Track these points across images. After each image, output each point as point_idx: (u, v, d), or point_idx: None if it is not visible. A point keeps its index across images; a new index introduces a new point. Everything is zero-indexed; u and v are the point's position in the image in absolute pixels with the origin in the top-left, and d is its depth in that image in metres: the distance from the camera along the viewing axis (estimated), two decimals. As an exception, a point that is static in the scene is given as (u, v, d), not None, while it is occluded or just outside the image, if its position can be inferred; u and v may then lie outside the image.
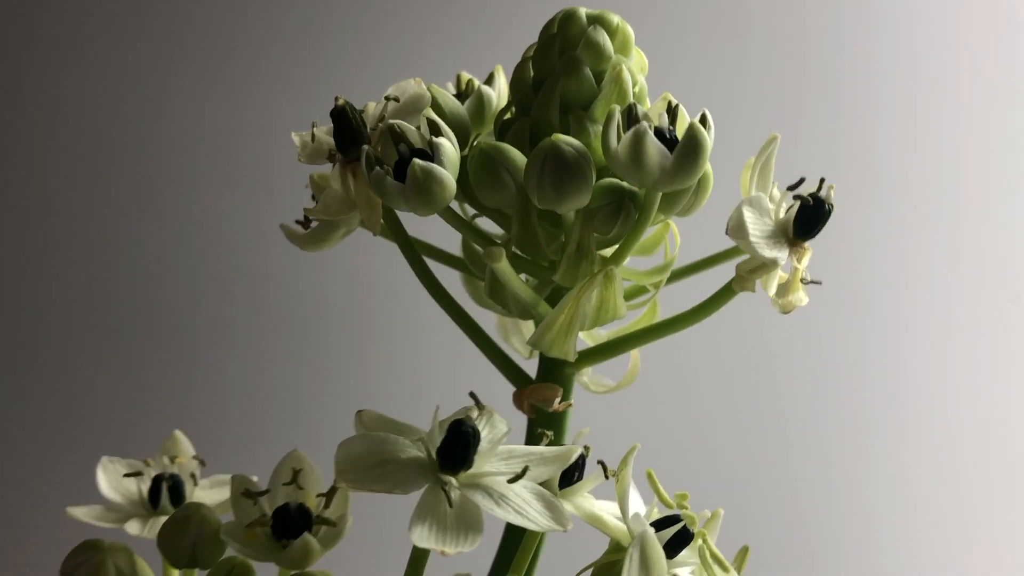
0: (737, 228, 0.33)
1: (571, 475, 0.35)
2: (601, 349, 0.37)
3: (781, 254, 0.33)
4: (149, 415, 0.81)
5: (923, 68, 0.93)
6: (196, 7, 0.89)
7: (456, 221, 0.36)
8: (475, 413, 0.31)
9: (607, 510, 0.35)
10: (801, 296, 0.34)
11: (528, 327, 0.39)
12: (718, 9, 0.94)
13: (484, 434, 0.31)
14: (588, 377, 0.40)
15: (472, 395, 0.32)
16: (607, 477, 0.35)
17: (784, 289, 0.34)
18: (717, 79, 0.92)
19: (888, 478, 0.92)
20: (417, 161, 0.32)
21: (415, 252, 0.36)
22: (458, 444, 0.30)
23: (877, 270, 0.92)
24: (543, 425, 0.36)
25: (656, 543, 0.30)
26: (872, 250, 0.92)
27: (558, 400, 0.36)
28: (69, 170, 0.87)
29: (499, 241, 0.36)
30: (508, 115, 0.36)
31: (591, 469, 0.35)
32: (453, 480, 0.30)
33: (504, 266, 0.33)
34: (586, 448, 0.35)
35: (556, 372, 0.37)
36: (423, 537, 0.29)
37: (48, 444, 0.83)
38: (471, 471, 0.30)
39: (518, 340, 0.41)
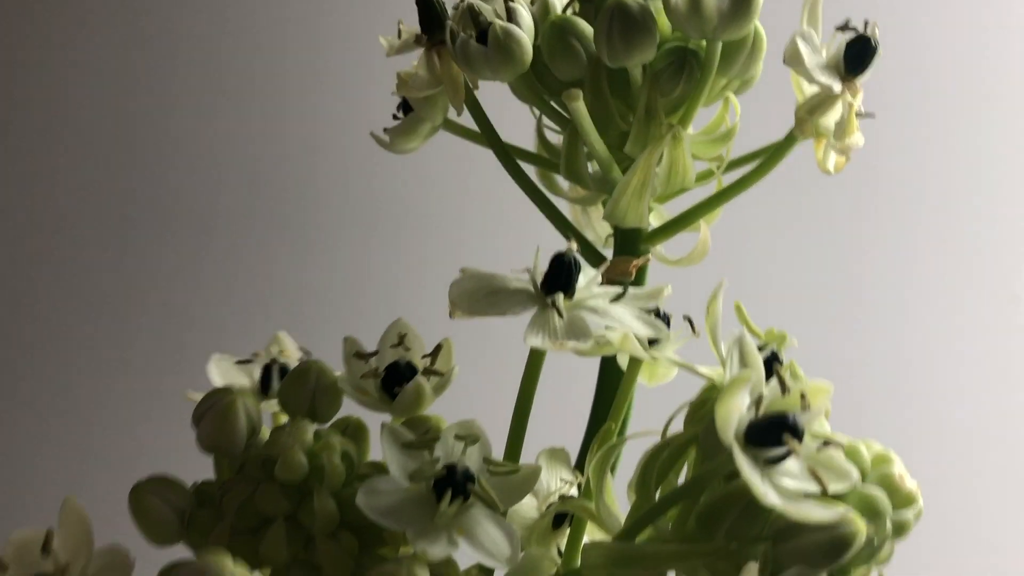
0: (793, 56, 0.35)
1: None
2: (672, 223, 0.38)
3: (835, 82, 0.35)
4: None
5: (923, 65, 0.93)
6: None
7: (533, 95, 0.37)
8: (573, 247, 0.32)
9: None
10: (858, 137, 0.36)
11: (601, 215, 0.40)
12: None
13: (580, 278, 0.32)
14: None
15: (568, 241, 0.33)
16: (695, 332, 0.36)
17: (841, 130, 0.36)
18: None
19: None
20: (497, 22, 0.33)
21: (495, 134, 0.38)
22: (561, 271, 0.31)
23: (876, 269, 0.92)
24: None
25: (751, 343, 0.31)
26: (871, 249, 0.92)
27: (635, 267, 0.37)
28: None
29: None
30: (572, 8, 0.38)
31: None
32: (560, 301, 0.31)
33: (580, 107, 0.34)
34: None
35: (631, 249, 0.38)
36: (537, 341, 0.30)
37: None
38: (573, 299, 0.31)
39: (591, 231, 0.42)
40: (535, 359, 0.32)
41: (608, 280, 0.37)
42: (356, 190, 0.88)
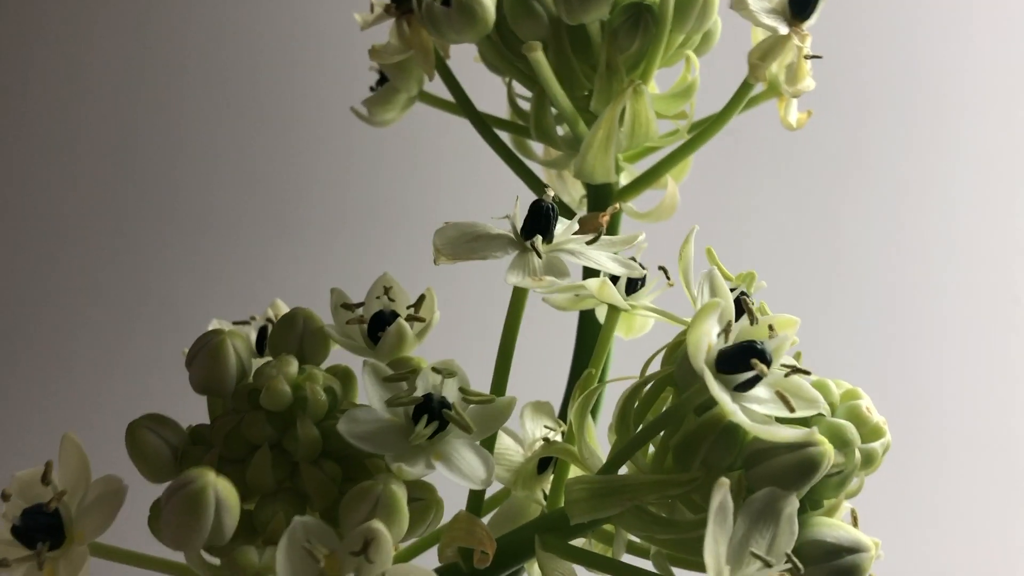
0: (739, 1, 0.36)
1: (635, 285, 0.37)
2: (641, 178, 0.40)
3: (781, 25, 0.36)
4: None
5: (923, 65, 0.93)
6: None
7: (501, 60, 0.39)
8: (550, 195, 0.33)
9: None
10: (809, 82, 0.37)
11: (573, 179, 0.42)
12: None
13: (557, 227, 0.33)
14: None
15: (545, 193, 0.34)
16: (669, 280, 0.36)
17: (793, 75, 0.37)
18: None
19: (887, 478, 0.92)
20: (459, -17, 0.35)
21: (469, 103, 0.39)
22: (540, 216, 0.32)
23: (876, 270, 0.92)
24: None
25: (721, 278, 0.32)
26: (871, 249, 0.92)
27: (606, 218, 0.38)
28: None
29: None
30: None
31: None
32: (539, 243, 0.31)
33: (540, 58, 0.36)
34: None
35: (603, 206, 0.39)
36: (517, 280, 0.31)
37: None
38: (551, 244, 0.32)
39: (566, 195, 0.43)
40: (517, 299, 0.33)
41: (585, 232, 0.38)
42: (356, 188, 0.89)
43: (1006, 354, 0.92)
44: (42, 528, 0.29)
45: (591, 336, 0.38)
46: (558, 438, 0.37)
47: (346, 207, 0.88)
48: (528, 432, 0.38)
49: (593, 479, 0.32)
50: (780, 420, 0.30)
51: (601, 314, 0.38)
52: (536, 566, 0.36)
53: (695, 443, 0.31)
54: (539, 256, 0.31)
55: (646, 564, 0.34)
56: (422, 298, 0.36)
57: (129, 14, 0.90)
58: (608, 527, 0.34)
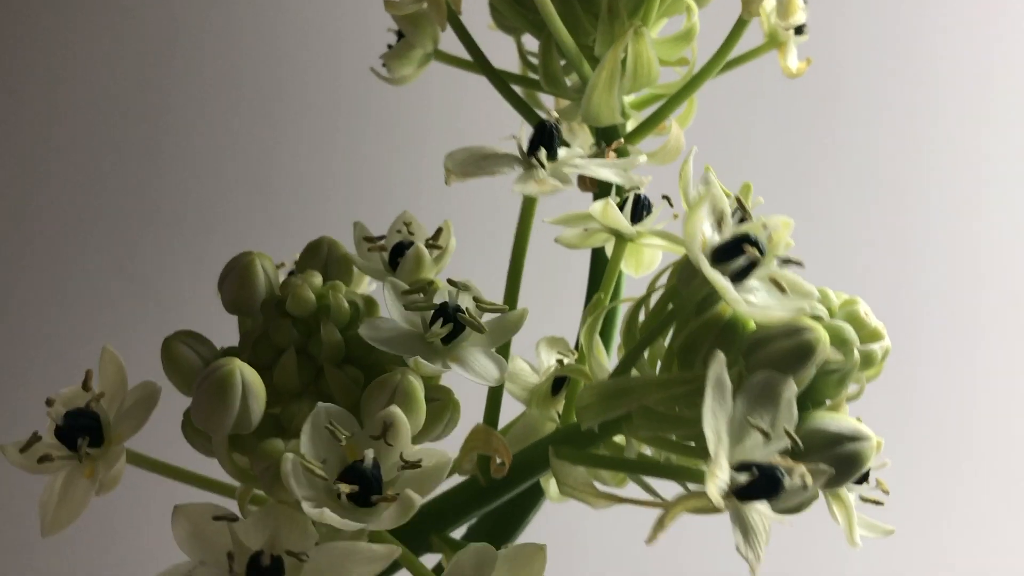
0: None
1: (640, 214, 0.38)
2: (645, 124, 0.41)
3: None
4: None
5: (925, 65, 0.93)
6: None
7: (511, 11, 0.40)
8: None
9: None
10: (800, 15, 0.38)
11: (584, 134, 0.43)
12: None
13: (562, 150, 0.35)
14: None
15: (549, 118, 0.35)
16: (674, 211, 0.38)
17: (784, 9, 0.38)
18: None
19: (887, 478, 0.92)
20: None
21: (483, 57, 0.40)
22: (544, 133, 0.34)
23: (876, 270, 0.91)
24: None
25: (714, 179, 0.33)
26: (871, 249, 0.92)
27: (611, 153, 0.39)
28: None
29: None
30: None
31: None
32: (543, 155, 0.33)
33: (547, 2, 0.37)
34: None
35: (610, 150, 0.41)
36: (523, 188, 0.32)
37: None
38: (556, 161, 0.34)
39: (576, 146, 0.44)
40: (526, 212, 0.34)
41: (588, 181, 0.40)
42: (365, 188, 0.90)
43: (1006, 354, 0.92)
44: (83, 428, 0.31)
45: (602, 273, 0.39)
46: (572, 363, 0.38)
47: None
48: (543, 361, 0.39)
49: (601, 383, 0.33)
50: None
51: (610, 247, 0.39)
52: (552, 483, 0.37)
53: (697, 342, 0.32)
54: (543, 167, 0.33)
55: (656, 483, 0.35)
56: (440, 230, 0.37)
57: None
58: (619, 439, 0.35)
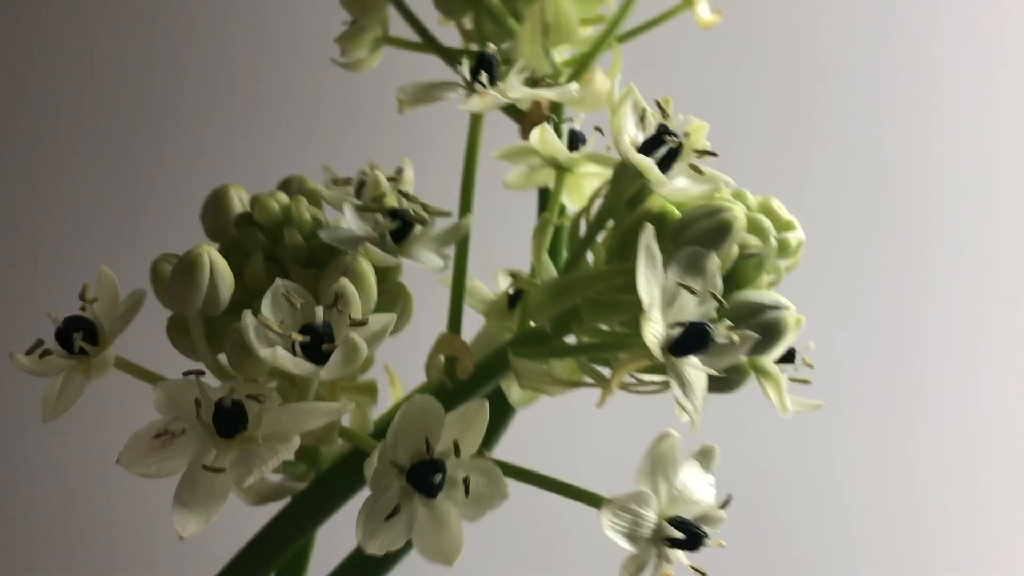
0: None
1: (575, 146, 0.41)
2: (571, 77, 0.44)
3: None
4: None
5: (924, 65, 0.93)
6: None
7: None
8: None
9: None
10: None
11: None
12: None
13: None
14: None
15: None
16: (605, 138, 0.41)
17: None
18: None
19: (886, 478, 0.91)
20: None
21: (430, 35, 0.44)
22: (484, 61, 0.38)
23: (874, 268, 0.91)
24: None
25: (636, 90, 0.36)
26: (870, 248, 0.92)
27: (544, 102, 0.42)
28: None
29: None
30: None
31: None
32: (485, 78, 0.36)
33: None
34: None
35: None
36: (469, 104, 0.36)
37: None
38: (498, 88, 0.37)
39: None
40: (474, 127, 0.38)
41: (531, 127, 0.43)
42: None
43: (1006, 353, 0.92)
44: (79, 327, 0.34)
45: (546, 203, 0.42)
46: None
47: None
48: (500, 286, 0.42)
49: (550, 282, 0.37)
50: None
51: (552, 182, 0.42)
52: (514, 388, 0.40)
53: (631, 236, 0.35)
54: (486, 87, 0.36)
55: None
56: (399, 169, 0.40)
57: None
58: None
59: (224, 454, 0.30)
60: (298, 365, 0.30)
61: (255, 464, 0.29)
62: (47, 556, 0.87)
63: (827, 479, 0.90)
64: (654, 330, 0.32)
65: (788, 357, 0.38)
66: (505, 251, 0.45)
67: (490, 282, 0.43)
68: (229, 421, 0.30)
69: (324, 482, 0.38)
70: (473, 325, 0.41)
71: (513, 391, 0.40)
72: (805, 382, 0.38)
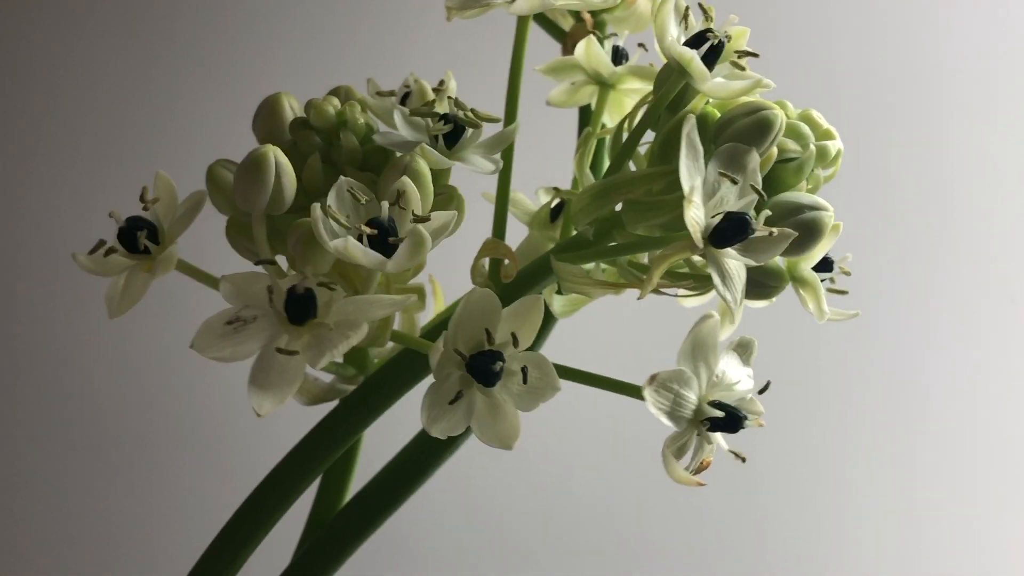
0: None
1: (618, 62, 0.41)
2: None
3: None
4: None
5: (923, 67, 0.92)
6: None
7: None
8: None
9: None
10: None
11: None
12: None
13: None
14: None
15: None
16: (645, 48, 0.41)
17: None
18: None
19: (885, 477, 0.91)
20: None
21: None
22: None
23: (873, 269, 0.90)
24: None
25: None
26: (868, 249, 0.90)
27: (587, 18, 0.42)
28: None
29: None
30: None
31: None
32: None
33: None
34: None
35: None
36: (516, 8, 0.36)
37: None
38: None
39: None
40: (521, 29, 0.37)
41: (574, 44, 0.43)
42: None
43: (1005, 353, 0.92)
44: (142, 227, 0.34)
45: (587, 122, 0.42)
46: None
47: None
48: (541, 202, 0.42)
49: (593, 186, 0.37)
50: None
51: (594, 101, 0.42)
52: (555, 299, 0.40)
53: (674, 138, 0.35)
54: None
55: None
56: (442, 81, 0.40)
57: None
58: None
59: (296, 339, 0.30)
60: (367, 255, 0.30)
61: (327, 348, 0.30)
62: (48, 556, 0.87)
63: (826, 479, 0.90)
64: (695, 215, 0.32)
65: (825, 266, 0.38)
66: (545, 171, 0.44)
67: (531, 199, 0.43)
68: (300, 308, 0.30)
69: (373, 383, 0.39)
70: (514, 239, 0.41)
71: (555, 303, 0.40)
72: (843, 292, 0.39)
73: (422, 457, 0.41)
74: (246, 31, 0.90)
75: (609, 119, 0.43)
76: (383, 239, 0.31)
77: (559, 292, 0.40)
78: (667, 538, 0.90)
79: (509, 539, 0.89)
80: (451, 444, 0.40)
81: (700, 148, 0.33)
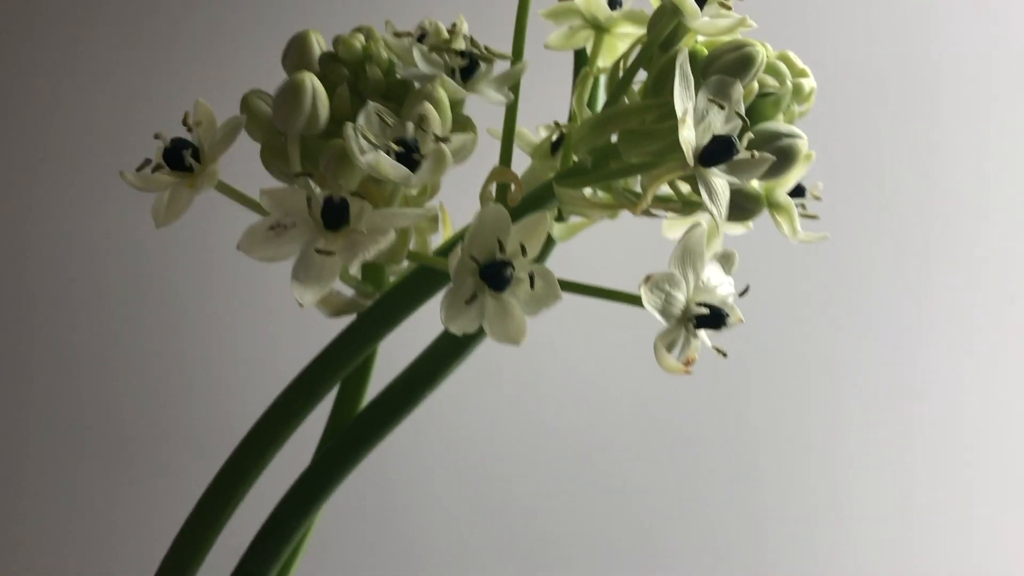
0: None
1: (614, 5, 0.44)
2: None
3: None
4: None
5: (921, 63, 0.92)
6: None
7: None
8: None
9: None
10: None
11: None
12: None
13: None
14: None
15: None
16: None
17: None
18: None
19: (883, 477, 0.92)
20: None
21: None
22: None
23: (871, 268, 0.91)
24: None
25: None
26: (867, 248, 0.91)
27: None
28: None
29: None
30: None
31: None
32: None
33: None
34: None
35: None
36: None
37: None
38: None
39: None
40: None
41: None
42: None
43: (1004, 353, 0.92)
44: (187, 147, 0.37)
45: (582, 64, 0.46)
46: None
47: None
48: (542, 135, 0.46)
49: (591, 117, 0.40)
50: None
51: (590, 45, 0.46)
52: (556, 226, 0.44)
53: (666, 74, 0.39)
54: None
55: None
56: (455, 24, 0.44)
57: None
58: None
59: (332, 243, 0.33)
60: (396, 169, 0.34)
61: (360, 250, 0.33)
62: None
63: (825, 479, 0.91)
64: (688, 135, 0.35)
65: (799, 192, 0.42)
66: (545, 111, 0.48)
67: (534, 134, 0.46)
68: (336, 215, 0.34)
69: (389, 297, 0.42)
70: (518, 169, 0.45)
71: (555, 227, 0.43)
72: (813, 217, 0.42)
73: (431, 367, 0.45)
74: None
75: (603, 62, 0.46)
76: (408, 156, 0.34)
77: (558, 219, 0.44)
78: (668, 537, 0.91)
79: (512, 536, 0.90)
80: (458, 355, 0.44)
81: (691, 78, 0.36)
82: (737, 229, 0.43)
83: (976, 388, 0.92)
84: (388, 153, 0.34)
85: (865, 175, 0.91)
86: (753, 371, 0.91)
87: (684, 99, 0.36)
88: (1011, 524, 0.92)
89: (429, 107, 0.35)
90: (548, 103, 0.51)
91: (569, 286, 0.39)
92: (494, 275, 0.35)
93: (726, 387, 0.90)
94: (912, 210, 0.92)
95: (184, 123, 0.38)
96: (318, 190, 0.34)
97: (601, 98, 0.45)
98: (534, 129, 0.47)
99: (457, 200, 0.45)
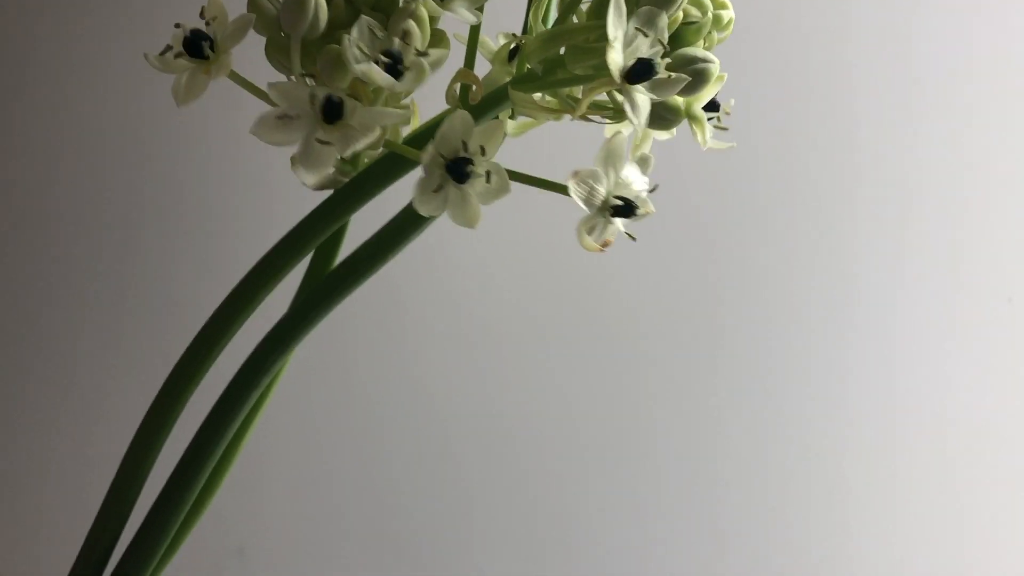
0: None
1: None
2: None
3: None
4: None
5: (919, 61, 0.91)
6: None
7: None
8: None
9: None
10: None
11: None
12: None
13: None
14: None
15: None
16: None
17: None
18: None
19: (881, 477, 0.92)
20: None
21: None
22: None
23: (869, 267, 0.90)
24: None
25: None
26: (864, 247, 0.91)
27: None
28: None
29: None
30: None
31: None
32: None
33: None
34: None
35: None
36: None
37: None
38: None
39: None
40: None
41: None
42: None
43: (1002, 354, 0.92)
44: (205, 38, 0.43)
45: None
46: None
47: None
48: (501, 43, 0.52)
49: (543, 32, 0.47)
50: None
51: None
52: (509, 122, 0.51)
53: (606, 1, 0.45)
54: None
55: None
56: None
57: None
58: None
59: (329, 134, 0.40)
60: (383, 78, 0.40)
61: (352, 141, 0.40)
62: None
63: (822, 479, 0.91)
64: (616, 58, 0.43)
65: (713, 107, 0.49)
66: (503, 22, 0.54)
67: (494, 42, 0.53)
68: (334, 111, 0.40)
69: (363, 175, 0.49)
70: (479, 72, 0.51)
71: (509, 124, 0.50)
72: (724, 129, 0.50)
73: (394, 236, 0.52)
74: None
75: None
76: (394, 67, 0.41)
77: (511, 117, 0.51)
78: (665, 537, 0.92)
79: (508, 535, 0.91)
80: (417, 227, 0.52)
81: (624, 8, 0.43)
82: (663, 135, 0.50)
83: (976, 388, 0.91)
84: (377, 63, 0.41)
85: (860, 173, 0.91)
86: (745, 368, 0.91)
87: (616, 26, 0.43)
88: (1011, 524, 0.92)
89: (412, 24, 0.42)
90: (509, 16, 0.58)
91: (517, 176, 0.47)
92: (458, 169, 0.42)
93: (700, 389, 0.90)
94: (908, 210, 0.91)
95: (201, 16, 0.44)
96: (319, 88, 0.41)
97: (553, 15, 0.52)
98: (495, 37, 0.54)
99: (425, 94, 0.52)
